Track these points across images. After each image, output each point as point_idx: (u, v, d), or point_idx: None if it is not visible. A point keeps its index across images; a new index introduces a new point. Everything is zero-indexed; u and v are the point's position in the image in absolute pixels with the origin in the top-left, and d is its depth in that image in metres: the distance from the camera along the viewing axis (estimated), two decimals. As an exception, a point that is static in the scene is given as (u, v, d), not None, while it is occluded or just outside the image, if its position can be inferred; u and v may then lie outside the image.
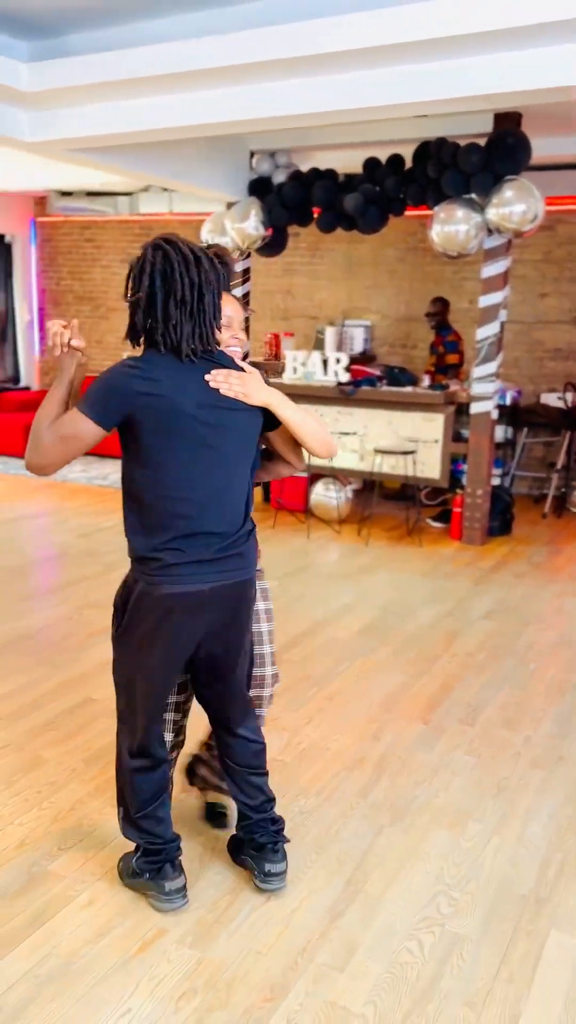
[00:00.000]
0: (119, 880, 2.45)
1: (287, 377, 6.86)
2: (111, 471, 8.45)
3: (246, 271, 7.18)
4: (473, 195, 5.80)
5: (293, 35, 3.95)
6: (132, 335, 2.15)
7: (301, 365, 6.82)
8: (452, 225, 5.77)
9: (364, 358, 8.24)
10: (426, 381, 7.02)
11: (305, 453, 2.37)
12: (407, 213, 6.52)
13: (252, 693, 2.50)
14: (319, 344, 8.01)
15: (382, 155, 6.29)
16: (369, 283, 8.75)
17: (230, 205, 6.81)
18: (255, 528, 2.30)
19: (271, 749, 3.16)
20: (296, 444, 2.33)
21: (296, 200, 6.55)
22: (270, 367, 7.79)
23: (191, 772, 2.79)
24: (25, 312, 10.53)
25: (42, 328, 10.52)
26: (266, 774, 2.49)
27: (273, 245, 6.90)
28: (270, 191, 6.68)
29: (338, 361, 6.69)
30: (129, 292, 2.12)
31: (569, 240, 7.82)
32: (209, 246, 2.28)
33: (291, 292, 9.15)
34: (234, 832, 2.55)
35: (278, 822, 2.49)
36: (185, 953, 2.19)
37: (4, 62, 4.45)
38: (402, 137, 6.10)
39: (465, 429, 6.36)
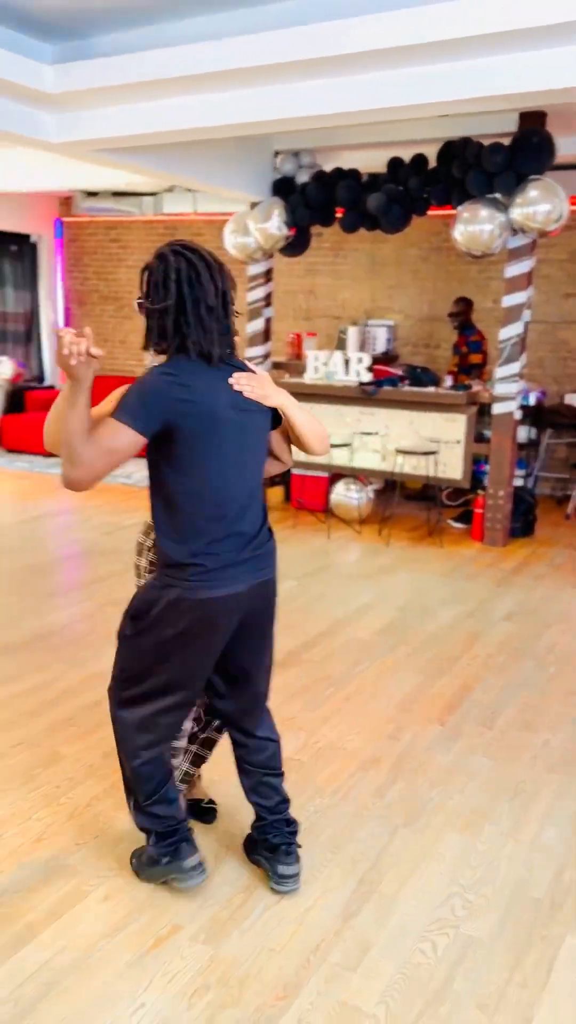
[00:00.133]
0: (135, 877, 2.47)
1: (308, 377, 6.87)
2: (134, 470, 8.50)
3: (268, 271, 7.19)
4: (497, 195, 5.77)
5: (317, 36, 3.95)
6: (158, 341, 2.15)
7: (323, 365, 6.82)
8: (476, 225, 5.75)
9: (387, 358, 8.22)
10: (448, 381, 6.99)
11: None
12: (431, 213, 6.50)
13: None
14: (341, 344, 8.00)
15: (406, 155, 6.28)
16: (392, 283, 8.73)
17: (254, 205, 6.82)
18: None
19: (287, 748, 3.18)
20: (288, 442, 2.40)
21: (319, 200, 6.55)
22: (292, 367, 7.81)
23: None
24: (50, 312, 10.62)
25: (67, 325, 10.59)
26: (282, 775, 2.51)
27: (296, 245, 6.91)
28: (293, 191, 6.69)
29: (360, 361, 6.69)
30: (151, 298, 2.12)
31: (595, 239, 7.76)
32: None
33: (314, 292, 9.15)
34: (249, 832, 2.57)
35: (292, 824, 2.50)
36: (199, 950, 2.21)
37: (30, 64, 4.49)
38: (426, 137, 6.08)
39: (488, 430, 6.33)
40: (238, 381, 2.18)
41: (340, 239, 8.69)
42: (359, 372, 6.67)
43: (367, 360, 6.69)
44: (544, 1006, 2.06)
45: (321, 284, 9.10)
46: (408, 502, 7.50)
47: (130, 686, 2.31)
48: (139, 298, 2.20)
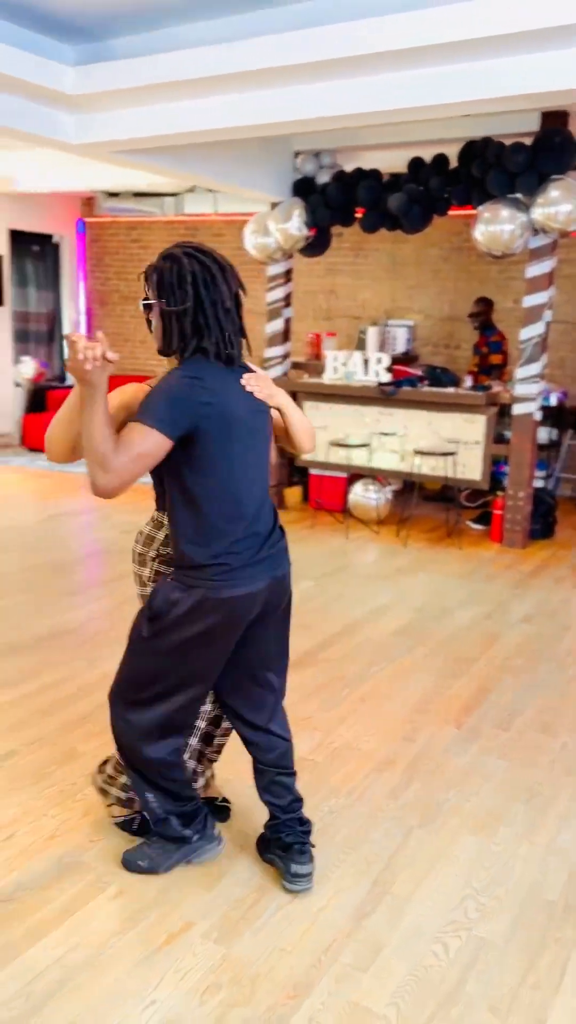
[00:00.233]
0: (151, 873, 2.48)
1: (327, 377, 6.86)
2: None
3: (288, 272, 7.19)
4: (518, 195, 5.74)
5: (337, 36, 3.95)
6: (178, 344, 2.15)
7: (342, 365, 6.81)
8: (497, 225, 5.72)
9: (407, 358, 8.20)
10: (468, 382, 6.96)
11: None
12: (452, 213, 6.48)
13: None
14: (361, 344, 7.99)
15: (427, 155, 6.26)
16: (413, 283, 8.71)
17: (274, 205, 6.83)
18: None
19: (302, 748, 3.18)
20: (274, 441, 2.47)
21: (339, 200, 6.55)
22: (311, 367, 7.80)
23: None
24: (72, 312, 10.69)
25: (89, 328, 10.67)
26: (294, 774, 2.51)
27: (316, 245, 6.91)
28: (314, 191, 6.69)
29: (379, 361, 6.67)
30: (165, 300, 2.12)
31: (618, 239, 7.69)
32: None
33: (334, 292, 9.14)
34: (262, 831, 2.57)
35: (306, 823, 2.50)
36: (211, 948, 2.22)
37: (51, 66, 4.53)
38: (447, 137, 6.06)
39: (508, 430, 6.29)
40: (249, 382, 2.22)
41: (360, 239, 8.68)
42: (378, 372, 6.65)
43: (386, 360, 6.68)
44: (557, 1009, 2.04)
45: (341, 284, 9.09)
46: (427, 503, 7.48)
47: (143, 688, 2.30)
48: (145, 299, 2.19)
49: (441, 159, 6.18)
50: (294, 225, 6.62)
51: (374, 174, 6.49)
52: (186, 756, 2.56)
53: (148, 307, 2.19)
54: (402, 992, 2.08)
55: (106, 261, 10.59)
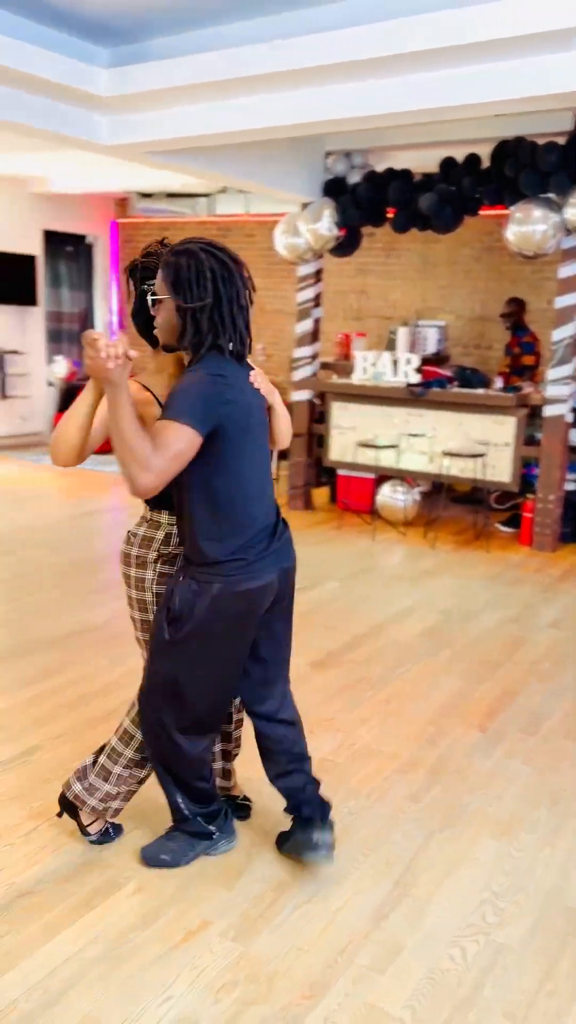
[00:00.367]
0: (172, 867, 2.50)
1: (356, 378, 6.85)
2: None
3: (318, 272, 7.19)
4: (551, 195, 5.68)
5: (369, 36, 3.94)
6: (192, 340, 2.16)
7: (371, 366, 6.79)
8: (529, 225, 5.67)
9: (437, 359, 8.16)
10: (499, 383, 6.90)
11: None
12: (485, 212, 6.43)
13: None
14: (391, 345, 7.96)
15: (459, 154, 6.22)
16: (444, 283, 8.66)
17: (305, 206, 6.83)
18: None
19: (323, 748, 3.19)
20: None
21: (370, 200, 6.53)
22: (339, 367, 7.79)
23: None
24: (105, 312, 10.79)
25: (122, 328, 10.75)
26: (308, 758, 2.55)
27: (346, 245, 6.90)
28: (344, 192, 6.68)
29: (408, 362, 6.65)
30: (182, 296, 2.12)
31: None
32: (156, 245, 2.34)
33: (365, 292, 9.12)
34: (281, 831, 2.59)
35: (325, 802, 2.51)
36: (228, 946, 2.22)
37: (86, 68, 4.58)
38: (479, 136, 6.02)
39: (538, 432, 6.23)
40: (255, 377, 2.28)
41: (392, 239, 8.65)
42: (407, 373, 6.62)
43: (416, 361, 6.65)
44: (574, 1017, 2.02)
45: (372, 284, 9.06)
46: (456, 505, 7.43)
47: (174, 689, 2.31)
48: (154, 294, 2.19)
49: (473, 159, 6.14)
50: (324, 225, 6.62)
51: (405, 174, 6.47)
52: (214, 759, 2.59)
53: (157, 302, 2.19)
54: (419, 995, 2.08)
55: (139, 261, 10.66)
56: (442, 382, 6.62)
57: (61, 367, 9.87)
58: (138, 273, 2.35)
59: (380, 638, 4.40)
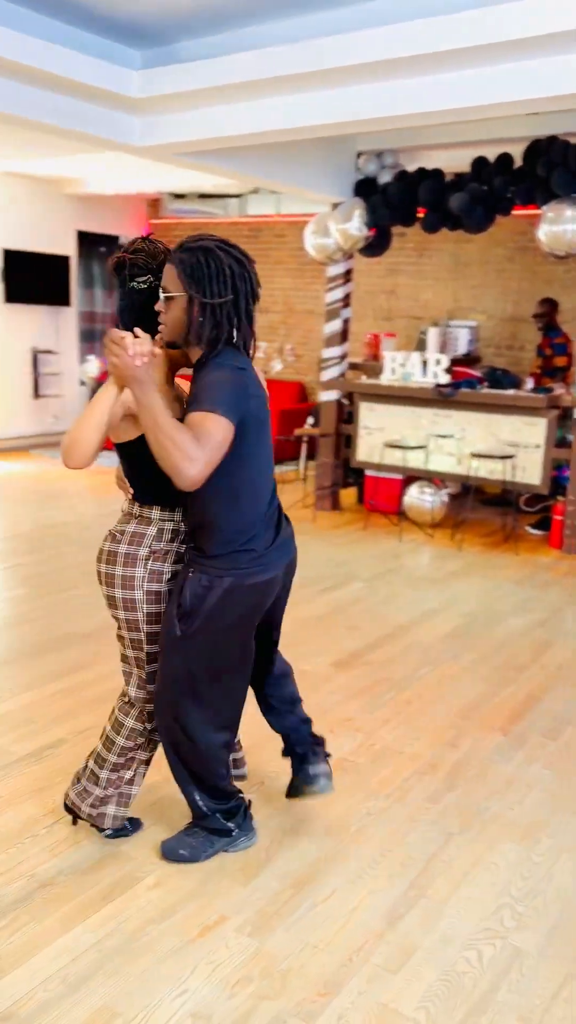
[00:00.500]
0: (192, 862, 2.52)
1: (385, 378, 6.83)
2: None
3: (348, 272, 7.18)
4: (584, 194, 5.63)
5: (399, 36, 3.94)
6: (210, 336, 2.18)
7: (400, 366, 6.77)
8: (561, 224, 5.62)
9: (468, 359, 8.12)
10: (530, 383, 6.85)
11: None
12: (518, 212, 6.38)
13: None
14: (421, 345, 7.93)
15: (491, 154, 6.18)
16: (476, 283, 8.61)
17: (335, 206, 6.83)
18: None
19: (343, 749, 3.20)
20: None
21: (400, 200, 6.51)
22: (368, 368, 7.78)
23: None
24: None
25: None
26: (300, 700, 2.68)
27: (376, 246, 6.88)
28: (375, 192, 6.67)
29: (438, 362, 6.62)
30: (203, 292, 2.14)
31: None
32: (133, 242, 2.34)
33: (395, 292, 9.10)
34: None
35: (319, 737, 2.67)
36: (244, 941, 2.24)
37: (119, 71, 4.62)
38: (512, 135, 5.98)
39: (570, 434, 6.17)
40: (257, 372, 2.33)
41: (424, 239, 8.62)
42: (437, 373, 6.59)
43: (445, 362, 6.62)
44: (590, 1025, 2.01)
45: (403, 284, 9.04)
46: (485, 507, 7.38)
47: (188, 685, 2.34)
48: (165, 290, 2.18)
49: (505, 158, 6.10)
50: (354, 225, 6.61)
51: (436, 174, 6.44)
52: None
53: (170, 298, 2.18)
54: (432, 996, 2.08)
55: (171, 261, 10.73)
56: (472, 383, 6.58)
57: (93, 366, 9.96)
58: (126, 269, 2.31)
59: (404, 639, 4.40)
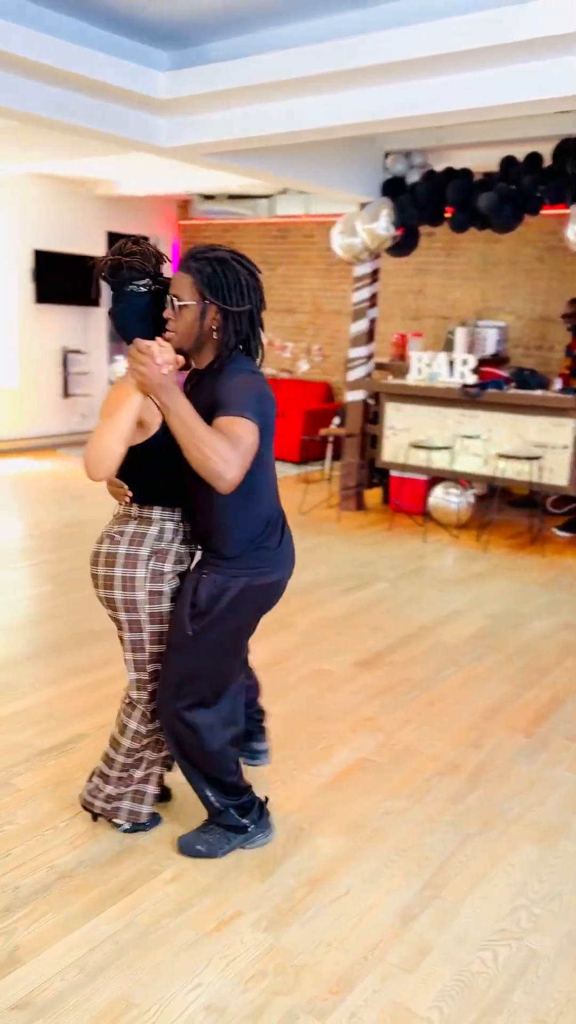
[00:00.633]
0: (209, 858, 2.53)
1: (411, 378, 6.81)
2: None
3: (375, 272, 7.17)
4: (613, 192, 5.57)
5: (427, 34, 3.92)
6: (233, 343, 2.24)
7: (427, 366, 6.75)
8: (589, 224, 5.57)
9: (496, 360, 8.06)
10: (558, 384, 6.79)
11: None
12: (548, 211, 6.33)
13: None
14: (449, 345, 7.89)
15: (520, 153, 6.14)
16: (505, 283, 8.55)
17: (363, 206, 6.82)
18: None
19: (364, 748, 3.20)
20: None
21: (428, 200, 6.49)
22: (394, 368, 7.76)
23: None
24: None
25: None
26: (255, 676, 2.82)
27: (403, 245, 6.86)
28: (403, 191, 6.65)
29: (464, 363, 6.58)
30: (225, 301, 2.19)
31: None
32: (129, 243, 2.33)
33: (423, 292, 9.06)
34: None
35: (260, 712, 2.83)
36: (259, 937, 2.25)
37: (144, 72, 4.65)
38: (541, 134, 5.93)
39: (597, 436, 6.10)
40: None
41: (452, 239, 8.59)
42: (464, 374, 6.56)
43: (472, 362, 6.58)
44: (606, 1029, 1.99)
45: (431, 284, 9.00)
46: (512, 508, 7.33)
47: (197, 684, 2.38)
48: (179, 297, 2.20)
49: (534, 157, 6.05)
50: (381, 225, 6.60)
51: (464, 173, 6.41)
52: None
53: (183, 308, 2.20)
54: (446, 996, 2.07)
55: (199, 262, 10.78)
56: (499, 383, 6.54)
57: (121, 366, 10.03)
58: (124, 272, 2.31)
59: (427, 640, 4.38)
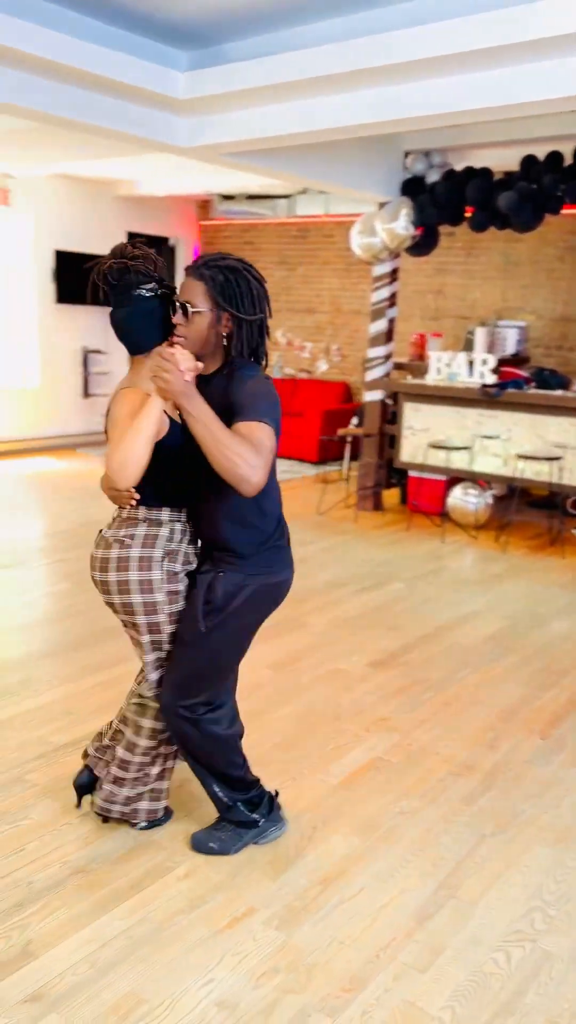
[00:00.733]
0: (222, 855, 2.54)
1: (430, 378, 6.78)
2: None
3: (394, 271, 7.15)
4: None
5: (445, 33, 3.91)
6: (247, 351, 2.28)
7: (446, 366, 6.72)
8: (611, 222, 5.52)
9: (516, 360, 8.01)
10: (578, 385, 6.74)
11: None
12: (569, 211, 6.28)
13: None
14: (469, 345, 7.86)
15: (541, 152, 6.10)
16: (526, 282, 8.50)
17: (382, 206, 6.81)
18: None
19: (378, 748, 3.19)
20: None
21: (448, 199, 6.46)
22: (413, 368, 7.74)
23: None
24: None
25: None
26: None
27: (423, 245, 6.84)
28: (423, 191, 6.63)
29: (484, 363, 6.55)
30: (239, 309, 2.23)
31: None
32: (128, 248, 2.33)
33: (443, 292, 9.03)
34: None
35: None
36: (271, 934, 2.25)
37: (164, 72, 4.67)
38: (562, 133, 5.89)
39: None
40: None
41: (473, 238, 8.55)
42: (483, 374, 6.52)
43: (492, 362, 6.55)
44: (620, 1033, 1.97)
45: (451, 284, 8.97)
46: (531, 509, 7.28)
47: (207, 681, 2.40)
48: (191, 304, 2.22)
49: (555, 156, 6.02)
50: (400, 224, 6.58)
51: (484, 172, 6.38)
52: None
53: (193, 313, 2.22)
54: (459, 996, 2.06)
55: (219, 262, 10.80)
56: (519, 383, 6.50)
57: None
58: (131, 276, 2.29)
59: (443, 640, 4.36)
